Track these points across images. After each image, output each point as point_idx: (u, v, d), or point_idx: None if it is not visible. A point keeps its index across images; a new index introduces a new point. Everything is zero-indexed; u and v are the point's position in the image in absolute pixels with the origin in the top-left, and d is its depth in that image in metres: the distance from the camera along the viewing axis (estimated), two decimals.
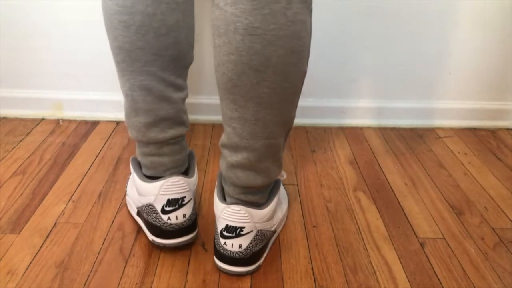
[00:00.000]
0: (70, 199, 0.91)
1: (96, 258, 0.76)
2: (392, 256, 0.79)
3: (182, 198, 0.75)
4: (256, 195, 0.73)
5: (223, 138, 0.70)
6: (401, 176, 1.03)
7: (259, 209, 0.72)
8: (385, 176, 1.03)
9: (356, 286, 0.73)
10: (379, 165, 1.07)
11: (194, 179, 0.78)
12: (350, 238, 0.83)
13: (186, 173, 0.80)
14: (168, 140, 0.75)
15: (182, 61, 0.73)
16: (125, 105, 0.75)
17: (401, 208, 0.92)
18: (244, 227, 0.71)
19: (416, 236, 0.84)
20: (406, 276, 0.75)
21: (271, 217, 0.74)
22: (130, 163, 0.81)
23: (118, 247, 0.79)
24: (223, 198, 0.74)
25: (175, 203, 0.74)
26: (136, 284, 0.71)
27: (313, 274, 0.75)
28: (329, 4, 1.14)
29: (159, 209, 0.75)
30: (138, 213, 0.82)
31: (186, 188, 0.75)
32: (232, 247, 0.72)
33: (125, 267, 0.75)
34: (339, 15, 1.15)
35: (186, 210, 0.75)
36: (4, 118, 1.22)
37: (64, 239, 0.80)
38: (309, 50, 0.64)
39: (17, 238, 0.80)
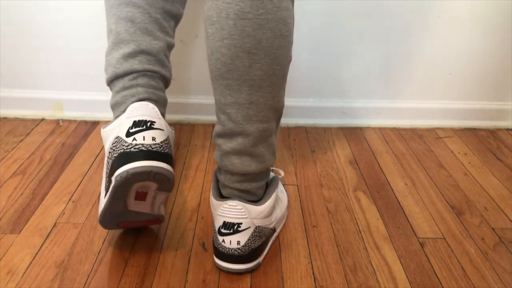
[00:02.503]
0: (70, 199, 0.91)
1: (96, 258, 0.76)
2: (392, 256, 0.79)
3: (152, 122, 0.65)
4: (251, 184, 0.73)
5: (217, 128, 0.72)
6: (401, 176, 1.03)
7: (256, 205, 0.72)
8: (385, 176, 1.03)
9: (356, 286, 0.73)
10: (379, 165, 1.07)
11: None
12: (350, 238, 0.83)
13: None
14: (145, 71, 0.71)
15: (168, 4, 0.74)
16: (108, 44, 0.74)
17: (401, 208, 0.92)
18: (241, 223, 0.71)
19: (416, 236, 0.84)
20: (406, 276, 0.75)
21: (269, 214, 0.75)
22: (101, 129, 0.73)
23: (118, 247, 0.79)
24: (219, 196, 0.74)
25: (142, 124, 0.64)
26: (136, 284, 0.72)
27: (313, 274, 0.75)
28: (329, 3, 1.14)
29: (123, 134, 0.64)
30: (106, 187, 0.69)
31: (156, 114, 0.67)
32: (230, 244, 0.72)
33: (125, 267, 0.75)
34: (339, 15, 1.15)
35: (157, 134, 0.65)
36: (4, 118, 1.22)
37: (64, 239, 0.80)
38: (293, 38, 0.69)
39: (17, 238, 0.80)
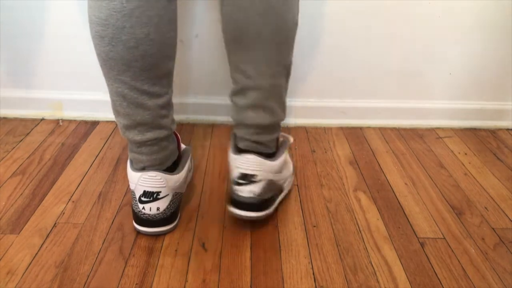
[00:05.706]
0: (70, 199, 0.91)
1: (96, 258, 0.76)
2: (392, 256, 0.79)
3: (158, 193, 0.79)
4: (265, 136, 0.82)
5: (232, 88, 0.81)
6: (401, 176, 1.03)
7: (270, 160, 0.81)
8: (385, 176, 1.03)
9: (356, 286, 0.73)
10: (379, 165, 1.07)
11: (177, 177, 0.81)
12: (350, 238, 0.83)
13: (171, 168, 0.82)
14: (145, 142, 0.78)
15: (155, 71, 0.74)
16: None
17: (401, 208, 0.92)
18: (256, 175, 0.80)
19: (416, 236, 0.84)
20: (406, 276, 0.75)
21: (279, 170, 0.84)
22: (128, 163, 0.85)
23: (118, 247, 0.79)
24: (237, 151, 0.83)
25: (150, 196, 0.79)
26: (136, 284, 0.71)
27: (313, 274, 0.75)
28: (329, 4, 1.14)
29: (137, 197, 0.80)
30: None
31: (162, 184, 0.79)
32: (246, 193, 0.80)
33: (125, 267, 0.75)
34: (339, 15, 1.15)
35: (161, 204, 0.80)
36: (4, 118, 1.22)
37: (64, 239, 0.80)
38: (298, 6, 0.78)
39: (17, 238, 0.80)
